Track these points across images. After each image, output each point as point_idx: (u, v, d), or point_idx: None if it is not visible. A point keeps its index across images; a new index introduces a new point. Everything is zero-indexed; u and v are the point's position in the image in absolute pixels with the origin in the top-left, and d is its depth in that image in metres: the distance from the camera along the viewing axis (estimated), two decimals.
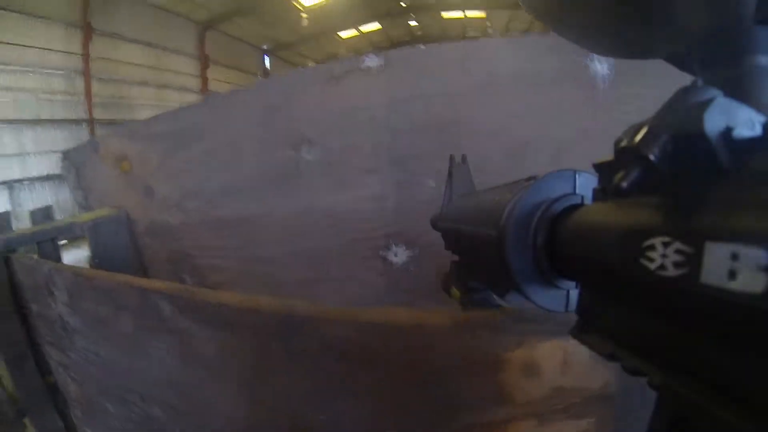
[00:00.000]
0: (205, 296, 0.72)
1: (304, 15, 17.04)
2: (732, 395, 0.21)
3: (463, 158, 0.86)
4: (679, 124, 0.26)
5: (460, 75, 1.54)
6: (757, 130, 0.24)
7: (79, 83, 11.15)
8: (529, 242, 0.42)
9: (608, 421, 0.56)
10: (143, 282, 0.84)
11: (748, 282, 0.19)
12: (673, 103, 0.28)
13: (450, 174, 0.84)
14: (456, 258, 0.70)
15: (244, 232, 1.74)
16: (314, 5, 16.76)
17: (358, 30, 20.44)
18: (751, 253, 0.19)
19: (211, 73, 15.99)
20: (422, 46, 1.68)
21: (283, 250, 1.70)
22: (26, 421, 1.57)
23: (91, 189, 2.07)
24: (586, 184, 0.42)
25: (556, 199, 0.42)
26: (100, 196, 2.05)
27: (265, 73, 19.96)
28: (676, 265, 0.23)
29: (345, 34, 20.67)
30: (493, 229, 0.46)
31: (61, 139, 10.62)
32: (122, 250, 1.91)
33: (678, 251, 0.23)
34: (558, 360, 0.55)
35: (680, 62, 0.42)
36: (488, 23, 20.54)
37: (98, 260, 1.82)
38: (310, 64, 24.02)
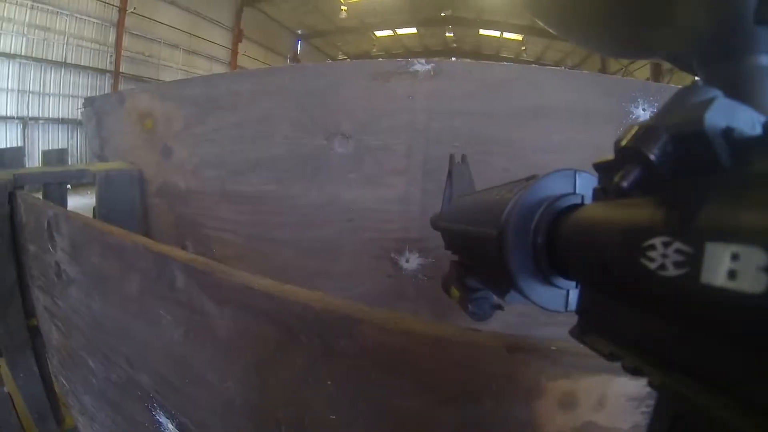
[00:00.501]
0: (230, 276, 0.69)
1: (344, 7, 17.13)
2: (732, 395, 0.20)
3: (463, 158, 0.85)
4: (679, 124, 0.25)
5: (507, 96, 1.51)
6: (758, 130, 0.24)
7: (112, 34, 11.22)
8: (529, 242, 0.41)
9: None
10: (163, 248, 0.79)
11: (748, 282, 0.18)
12: (673, 102, 0.28)
13: (450, 173, 0.83)
14: (456, 258, 0.67)
15: (260, 210, 1.70)
16: (355, 0, 16.86)
17: (394, 32, 20.54)
18: (752, 253, 0.18)
19: (243, 48, 16.07)
20: (469, 60, 1.68)
21: (297, 236, 1.67)
22: (1, 360, 1.54)
23: (109, 140, 2.04)
24: (586, 183, 0.42)
25: (556, 199, 0.41)
26: (117, 149, 2.01)
27: (295, 58, 20.03)
28: (677, 265, 0.22)
29: (380, 33, 20.75)
30: (492, 228, 0.45)
31: (83, 86, 10.67)
32: (130, 206, 1.87)
33: (678, 251, 0.22)
34: (596, 396, 0.53)
35: (680, 62, 0.42)
36: (523, 48, 20.67)
37: (105, 211, 1.79)
38: (341, 57, 24.17)
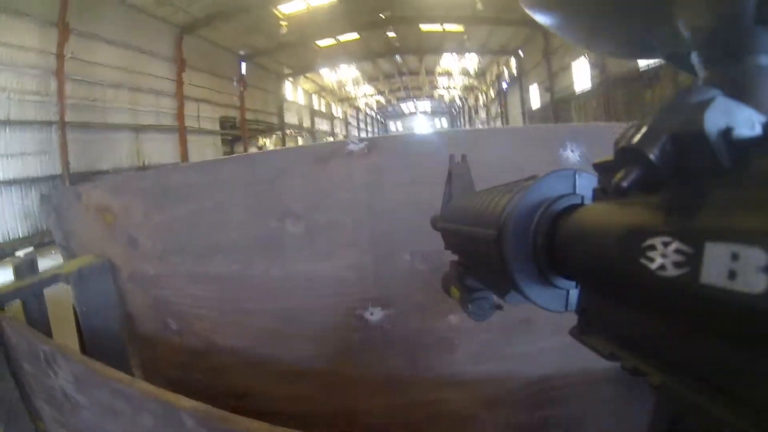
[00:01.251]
0: (236, 423, 0.77)
1: (283, 23, 16.98)
2: (732, 395, 0.21)
3: (463, 158, 0.84)
4: (679, 124, 0.26)
5: (440, 162, 1.61)
6: (757, 130, 0.25)
7: (53, 84, 10.91)
8: (529, 242, 0.42)
9: None
10: (169, 396, 0.87)
11: (748, 282, 0.19)
12: (673, 102, 0.28)
13: (449, 174, 0.82)
14: (456, 258, 0.69)
15: (227, 287, 1.79)
16: (293, 13, 16.70)
17: (337, 39, 20.45)
18: (751, 254, 0.19)
19: (187, 77, 15.84)
20: (400, 133, 1.78)
21: (266, 307, 1.76)
22: None
23: (73, 233, 2.11)
24: (586, 184, 0.42)
25: (556, 199, 0.42)
26: (83, 242, 2.09)
27: (241, 80, 19.80)
28: (676, 265, 0.23)
29: (323, 43, 20.64)
30: (492, 229, 0.46)
31: (31, 140, 10.40)
32: (107, 297, 1.95)
33: (678, 251, 0.23)
34: None
35: (680, 62, 0.43)
36: (465, 37, 20.79)
37: (84, 308, 1.86)
38: (286, 71, 23.97)
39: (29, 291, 1.70)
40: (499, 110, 26.98)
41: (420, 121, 51.73)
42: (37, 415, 1.52)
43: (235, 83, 19.51)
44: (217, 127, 18.40)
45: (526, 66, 21.47)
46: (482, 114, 33.62)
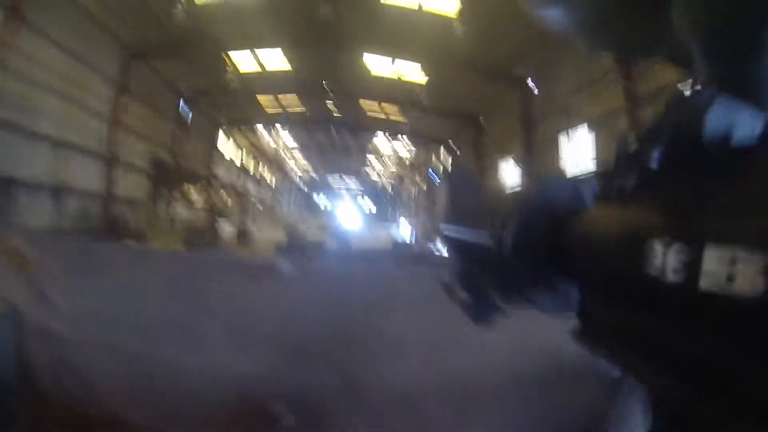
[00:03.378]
0: None
1: (230, 70, 17.14)
2: (731, 396, 0.21)
3: (464, 164, 0.82)
4: (679, 125, 0.27)
5: (361, 290, 1.70)
6: (757, 130, 0.26)
7: None
8: (531, 245, 0.43)
9: None
10: None
11: (746, 285, 0.20)
12: (673, 104, 0.29)
13: (453, 180, 0.83)
14: (458, 261, 0.69)
15: (141, 364, 1.80)
16: (241, 63, 16.93)
17: (278, 100, 20.79)
18: (750, 257, 0.20)
19: (126, 105, 15.29)
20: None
21: (177, 390, 1.77)
22: None
23: None
24: (587, 188, 0.43)
25: (558, 204, 0.43)
26: None
27: (179, 121, 19.49)
28: (676, 267, 0.24)
29: (263, 98, 20.92)
30: (495, 232, 0.47)
31: None
32: (6, 349, 1.89)
33: (678, 254, 0.24)
34: None
35: (680, 62, 0.45)
36: (403, 120, 21.67)
37: None
38: (223, 120, 23.90)
39: None
40: (425, 203, 27.75)
41: (348, 200, 52.46)
42: None
43: (171, 123, 19.11)
44: (147, 165, 17.73)
45: (457, 159, 22.50)
46: (410, 204, 33.55)
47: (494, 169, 17.72)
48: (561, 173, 13.10)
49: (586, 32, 0.53)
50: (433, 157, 26.13)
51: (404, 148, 29.40)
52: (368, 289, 1.67)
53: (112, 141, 14.87)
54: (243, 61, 16.91)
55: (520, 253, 0.42)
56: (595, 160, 11.55)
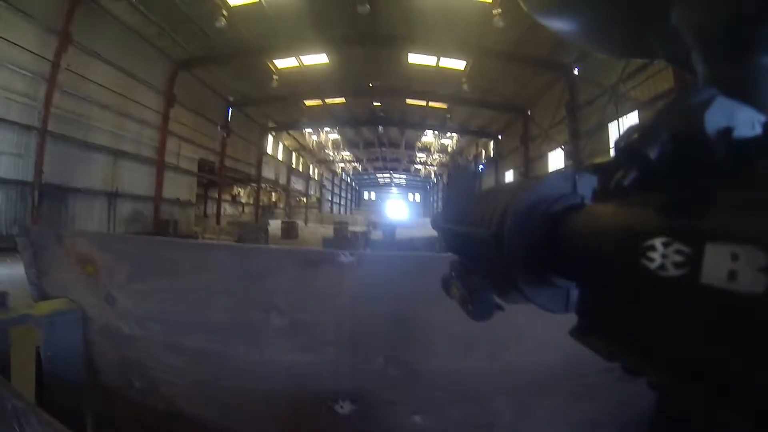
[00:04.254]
0: None
1: (275, 76, 17.36)
2: (732, 395, 0.21)
3: (466, 159, 0.81)
4: (679, 124, 0.27)
5: (419, 281, 1.67)
6: (757, 130, 0.25)
7: (42, 90, 10.81)
8: (529, 242, 0.42)
9: None
10: None
11: (748, 283, 0.20)
12: (673, 102, 0.28)
13: (450, 174, 0.81)
14: (456, 258, 0.68)
15: (205, 362, 1.82)
16: (286, 68, 17.12)
17: (323, 101, 20.94)
18: (751, 254, 0.20)
19: (174, 113, 15.93)
20: (389, 252, 1.92)
21: (240, 388, 1.80)
22: None
23: (47, 273, 2.10)
24: (586, 184, 0.42)
25: (556, 200, 0.43)
26: (57, 284, 2.09)
27: (226, 125, 19.98)
28: (676, 265, 0.24)
29: (310, 102, 21.10)
30: (492, 229, 0.46)
31: (7, 141, 10.17)
32: (73, 347, 1.94)
33: (678, 251, 0.24)
34: None
35: (680, 62, 0.43)
36: (448, 116, 21.57)
37: (50, 353, 1.85)
38: (271, 125, 24.32)
39: None
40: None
41: (394, 193, 52.28)
42: None
43: (218, 128, 19.65)
44: (195, 168, 18.34)
45: (504, 150, 22.21)
46: None
47: (544, 159, 17.69)
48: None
49: (585, 33, 0.53)
50: (482, 151, 25.90)
51: (452, 143, 29.19)
52: (420, 276, 1.64)
53: (161, 147, 15.50)
54: (288, 66, 17.13)
55: (517, 249, 0.42)
56: None
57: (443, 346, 1.68)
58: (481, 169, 25.36)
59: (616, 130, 12.97)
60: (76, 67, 11.50)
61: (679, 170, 0.26)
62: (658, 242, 0.25)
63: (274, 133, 26.35)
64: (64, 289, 2.04)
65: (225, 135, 20.13)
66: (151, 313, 1.88)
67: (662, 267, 0.24)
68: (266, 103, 20.59)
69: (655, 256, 0.25)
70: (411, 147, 31.16)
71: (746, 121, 0.25)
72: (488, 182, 23.76)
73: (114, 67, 12.97)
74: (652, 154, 0.27)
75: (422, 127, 25.42)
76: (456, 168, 0.83)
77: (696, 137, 0.25)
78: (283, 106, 21.28)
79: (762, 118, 0.26)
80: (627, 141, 0.29)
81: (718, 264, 0.21)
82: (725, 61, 0.36)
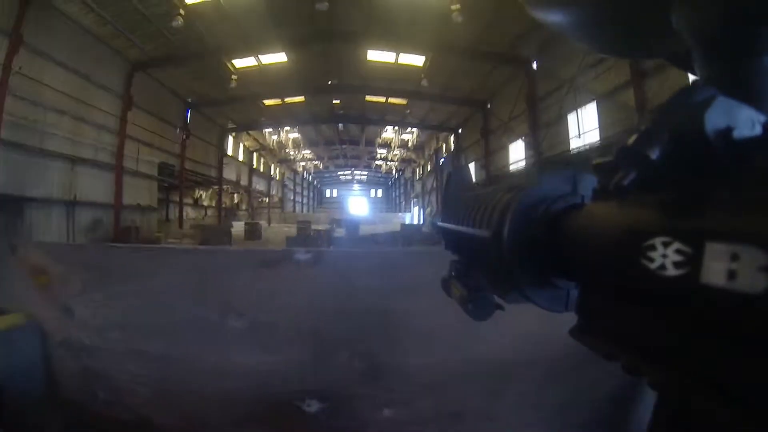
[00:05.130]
0: None
1: (234, 76, 17.11)
2: (732, 395, 0.21)
3: (461, 158, 0.79)
4: (679, 124, 0.27)
5: (381, 277, 1.73)
6: (757, 130, 0.26)
7: None
8: (529, 242, 0.42)
9: None
10: None
11: (747, 282, 0.20)
12: (673, 102, 0.29)
13: (449, 174, 0.81)
14: (456, 257, 0.68)
15: (167, 367, 1.81)
16: (244, 68, 16.89)
17: (282, 100, 20.75)
18: (751, 254, 0.20)
19: (132, 116, 15.49)
20: (343, 249, 1.95)
21: (203, 391, 1.78)
22: None
23: (1, 287, 2.06)
24: (586, 184, 0.42)
25: (556, 199, 0.43)
26: (11, 295, 2.03)
27: (185, 127, 19.57)
28: (677, 265, 0.24)
29: (269, 101, 20.88)
30: (492, 228, 0.46)
31: None
32: (33, 362, 1.90)
33: (678, 251, 0.24)
34: None
35: (680, 62, 0.44)
36: (408, 111, 21.61)
37: (7, 369, 1.81)
38: (230, 125, 23.94)
39: None
40: (434, 184, 27.80)
41: (356, 190, 52.27)
42: None
43: (177, 130, 19.23)
44: (155, 172, 17.90)
45: (464, 143, 22.37)
46: (417, 187, 34.33)
47: (505, 150, 17.88)
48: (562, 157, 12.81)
49: (585, 33, 0.53)
50: (443, 145, 26.11)
51: (412, 138, 29.34)
52: (382, 271, 1.67)
53: (120, 152, 15.07)
54: (247, 66, 16.92)
55: (517, 248, 0.42)
56: (600, 135, 11.77)
57: (408, 340, 1.70)
58: (442, 162, 25.59)
59: (574, 120, 13.26)
60: (28, 70, 11.00)
61: (679, 170, 0.27)
62: (658, 242, 0.25)
63: (234, 134, 25.96)
64: (20, 302, 1.99)
65: (184, 137, 19.71)
66: (110, 322, 1.85)
67: (662, 267, 0.24)
68: (225, 103, 20.27)
69: (655, 255, 0.25)
70: (371, 143, 31.21)
71: (746, 121, 0.26)
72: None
73: (69, 69, 12.47)
74: (652, 154, 0.28)
75: (382, 123, 25.44)
76: (454, 168, 0.80)
77: (696, 137, 0.25)
78: (243, 106, 21.02)
79: (762, 118, 0.26)
80: (628, 141, 0.30)
81: (718, 264, 0.21)
82: (725, 61, 0.36)
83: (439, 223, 0.73)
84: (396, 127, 26.72)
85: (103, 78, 13.98)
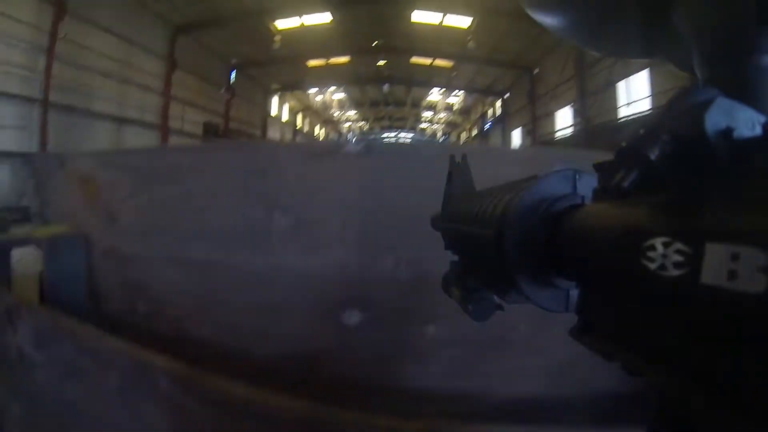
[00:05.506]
0: (213, 383, 0.77)
1: (276, 37, 17.02)
2: (732, 395, 0.21)
3: (464, 158, 0.83)
4: (679, 124, 0.27)
5: (433, 172, 1.66)
6: (757, 130, 0.25)
7: (41, 61, 10.63)
8: (529, 242, 0.42)
9: None
10: (141, 353, 0.85)
11: (748, 282, 0.19)
12: (673, 103, 0.29)
13: (449, 174, 0.81)
14: (456, 258, 0.68)
15: (208, 275, 1.77)
16: (287, 29, 16.75)
17: (327, 61, 20.54)
18: (751, 254, 0.19)
19: (176, 77, 15.72)
20: (397, 141, 1.80)
21: (245, 299, 1.74)
22: None
23: (49, 201, 2.11)
24: (586, 184, 0.42)
25: (557, 200, 0.43)
26: (59, 211, 2.08)
27: (229, 88, 19.70)
28: (677, 265, 0.23)
29: (313, 62, 20.71)
30: (492, 228, 0.46)
31: (10, 114, 10.11)
32: (76, 271, 1.91)
33: (678, 251, 0.23)
34: None
35: (680, 62, 0.43)
36: (454, 73, 21.14)
37: (52, 277, 1.82)
38: (274, 85, 23.95)
39: None
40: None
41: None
42: None
43: (222, 91, 19.40)
44: (200, 132, 18.22)
45: (511, 108, 21.88)
46: None
47: (551, 117, 17.51)
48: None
49: (585, 33, 0.53)
50: (490, 110, 25.53)
51: (458, 102, 28.72)
52: (441, 169, 1.58)
53: (165, 112, 15.40)
54: (290, 27, 16.75)
55: (518, 249, 0.42)
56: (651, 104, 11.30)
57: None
58: (488, 128, 25.05)
59: (623, 89, 12.94)
60: (74, 36, 11.28)
61: (679, 170, 0.27)
62: (658, 242, 0.25)
63: (278, 95, 25.98)
64: (67, 215, 2.03)
65: (229, 97, 19.89)
66: (154, 227, 1.83)
67: (662, 267, 0.24)
68: (269, 64, 20.19)
69: (655, 256, 0.25)
70: (417, 106, 30.64)
71: (746, 121, 0.25)
72: (495, 141, 23.65)
73: (112, 34, 12.73)
74: (653, 154, 0.27)
75: (428, 86, 25.02)
76: (455, 167, 0.82)
77: (696, 137, 0.25)
78: (286, 66, 20.84)
79: (762, 118, 0.26)
80: (628, 141, 0.30)
81: (718, 264, 0.21)
82: (725, 61, 0.36)
83: (440, 223, 0.75)
84: (442, 90, 26.16)
85: (147, 42, 14.17)
